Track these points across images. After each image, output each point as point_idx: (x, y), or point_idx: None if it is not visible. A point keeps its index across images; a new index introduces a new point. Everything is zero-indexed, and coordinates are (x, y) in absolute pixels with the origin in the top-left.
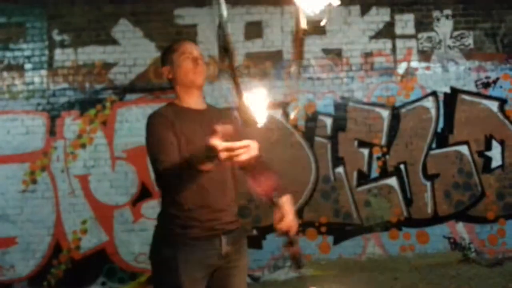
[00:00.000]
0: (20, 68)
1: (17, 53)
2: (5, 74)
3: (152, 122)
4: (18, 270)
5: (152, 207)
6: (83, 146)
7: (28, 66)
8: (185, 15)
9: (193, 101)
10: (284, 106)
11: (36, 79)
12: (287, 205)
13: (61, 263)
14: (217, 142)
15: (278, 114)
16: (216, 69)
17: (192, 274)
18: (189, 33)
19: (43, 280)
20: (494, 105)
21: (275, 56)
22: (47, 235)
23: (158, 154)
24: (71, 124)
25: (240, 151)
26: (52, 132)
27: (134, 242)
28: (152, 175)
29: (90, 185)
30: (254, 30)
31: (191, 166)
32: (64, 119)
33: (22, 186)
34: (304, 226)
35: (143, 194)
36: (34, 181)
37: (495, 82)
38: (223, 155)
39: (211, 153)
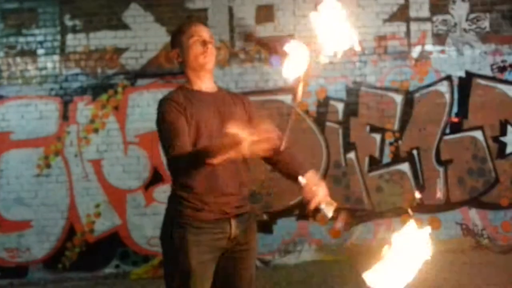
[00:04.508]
0: (32, 54)
1: (29, 39)
2: (18, 59)
3: (164, 108)
4: (33, 252)
5: (164, 191)
6: (96, 131)
7: (40, 51)
8: None
9: (203, 84)
10: (295, 91)
11: (49, 64)
12: (312, 180)
13: (75, 246)
14: (239, 132)
15: (289, 99)
16: (227, 54)
17: (201, 256)
18: (200, 17)
19: (58, 262)
20: (510, 90)
21: (287, 41)
22: (61, 218)
23: (171, 139)
24: (83, 109)
25: (263, 144)
26: (65, 117)
27: (147, 226)
28: (164, 160)
29: (103, 170)
30: (265, 13)
31: (204, 156)
32: (76, 104)
33: (36, 170)
34: (314, 211)
35: (155, 178)
36: (48, 166)
37: (511, 66)
38: (245, 145)
39: (232, 143)
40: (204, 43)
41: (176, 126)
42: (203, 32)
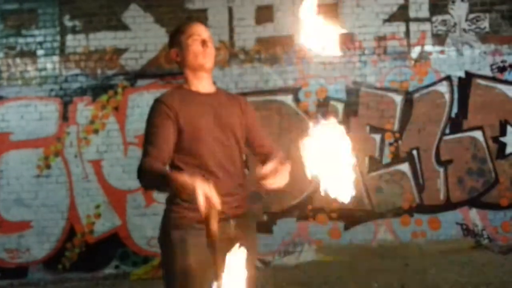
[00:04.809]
0: (32, 54)
1: (29, 39)
2: (18, 60)
3: (153, 109)
4: (33, 253)
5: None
6: (96, 131)
7: (40, 52)
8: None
9: (201, 84)
10: (295, 91)
11: (49, 65)
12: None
13: (75, 246)
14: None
15: (289, 99)
16: (227, 54)
17: (200, 257)
18: (200, 18)
19: (58, 263)
20: (509, 90)
21: (286, 41)
22: (62, 219)
23: (148, 145)
24: (83, 110)
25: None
26: (65, 117)
27: (147, 226)
28: None
29: (103, 170)
30: (265, 14)
31: (163, 182)
32: (76, 104)
33: (36, 171)
34: (314, 212)
35: None
36: (48, 166)
37: (511, 66)
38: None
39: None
40: (203, 42)
41: (158, 131)
42: (202, 32)
